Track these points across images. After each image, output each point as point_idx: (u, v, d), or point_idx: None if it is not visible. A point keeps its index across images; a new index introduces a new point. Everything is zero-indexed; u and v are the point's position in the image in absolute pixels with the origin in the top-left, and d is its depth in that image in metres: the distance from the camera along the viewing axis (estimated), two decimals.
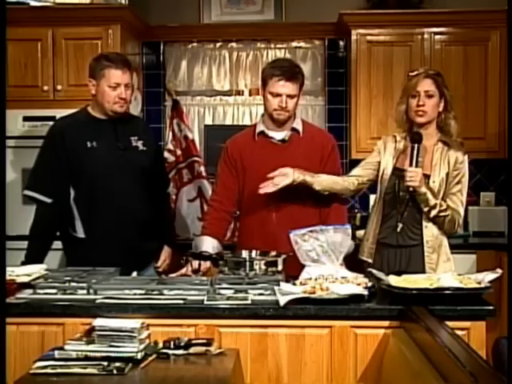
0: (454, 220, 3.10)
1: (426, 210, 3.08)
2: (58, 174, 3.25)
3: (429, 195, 3.05)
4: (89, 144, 3.25)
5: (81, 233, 3.27)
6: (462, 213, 3.14)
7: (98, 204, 3.25)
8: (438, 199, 3.07)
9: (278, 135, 3.24)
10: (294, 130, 3.25)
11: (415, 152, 3.04)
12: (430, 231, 3.11)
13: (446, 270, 3.01)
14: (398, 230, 3.13)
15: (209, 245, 3.14)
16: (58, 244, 3.43)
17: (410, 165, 3.03)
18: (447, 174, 3.11)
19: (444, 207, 3.07)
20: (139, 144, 3.37)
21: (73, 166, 3.25)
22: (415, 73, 3.18)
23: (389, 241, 3.17)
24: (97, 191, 3.24)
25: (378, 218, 3.22)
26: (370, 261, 3.18)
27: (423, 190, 3.03)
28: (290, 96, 3.12)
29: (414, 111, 3.12)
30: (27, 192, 3.30)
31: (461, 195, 3.13)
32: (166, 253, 3.49)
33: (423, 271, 3.00)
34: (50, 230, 3.34)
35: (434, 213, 3.07)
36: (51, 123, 4.21)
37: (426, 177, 3.10)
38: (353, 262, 2.98)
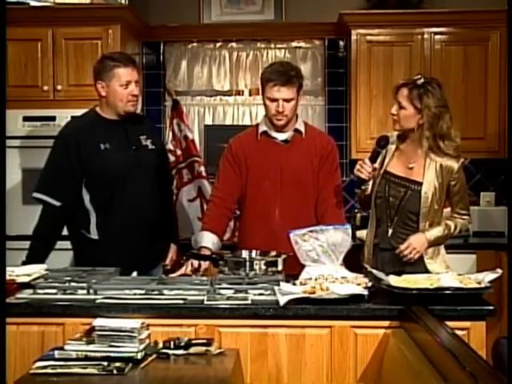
0: (467, 224, 3.20)
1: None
2: (69, 177, 3.24)
3: (439, 235, 3.08)
4: (102, 146, 3.24)
5: (94, 234, 3.27)
6: (469, 212, 3.19)
7: (114, 205, 3.25)
8: (445, 226, 3.09)
9: (280, 136, 3.26)
10: (296, 130, 3.27)
11: (374, 154, 3.08)
12: None
13: None
14: (389, 234, 3.14)
15: (209, 240, 3.14)
16: (65, 244, 3.43)
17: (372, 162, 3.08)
18: (441, 184, 3.08)
19: (453, 228, 3.11)
20: (148, 143, 3.38)
21: (87, 168, 3.24)
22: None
23: (383, 245, 3.17)
24: (112, 192, 3.25)
25: (373, 223, 3.23)
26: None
27: (431, 239, 3.07)
28: (286, 100, 3.13)
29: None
30: (36, 195, 3.27)
31: (464, 200, 3.15)
32: (172, 250, 3.52)
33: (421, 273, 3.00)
34: (55, 233, 3.33)
35: (451, 236, 3.14)
36: (51, 123, 4.24)
37: (419, 184, 3.09)
38: (353, 262, 2.97)
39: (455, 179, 3.09)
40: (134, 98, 3.26)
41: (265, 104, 3.20)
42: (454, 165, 3.07)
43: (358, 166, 3.08)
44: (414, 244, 3.05)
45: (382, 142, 3.11)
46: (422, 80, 3.05)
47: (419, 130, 3.06)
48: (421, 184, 3.08)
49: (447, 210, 3.21)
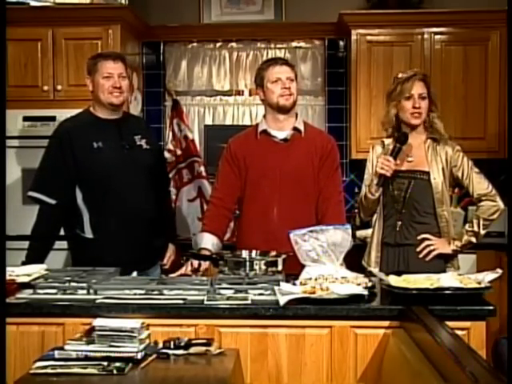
0: (491, 204, 3.13)
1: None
2: (63, 176, 3.26)
3: (464, 244, 3.13)
4: (95, 144, 3.27)
5: (89, 233, 3.28)
6: (492, 190, 3.14)
7: (106, 204, 3.26)
8: (466, 233, 3.14)
9: (280, 134, 3.25)
10: (295, 129, 3.26)
11: (396, 150, 3.12)
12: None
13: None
14: (397, 228, 3.15)
15: (208, 241, 3.15)
16: (62, 244, 3.43)
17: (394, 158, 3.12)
18: (443, 169, 3.14)
19: (476, 226, 3.13)
20: (143, 143, 3.39)
21: (80, 167, 3.26)
22: (405, 76, 3.20)
23: (388, 240, 3.19)
24: (104, 191, 3.26)
25: (380, 222, 3.23)
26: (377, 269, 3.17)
27: (456, 245, 3.12)
28: (289, 78, 3.18)
29: (410, 113, 3.15)
30: (31, 193, 3.30)
31: (478, 179, 3.13)
32: (170, 250, 3.54)
33: (422, 272, 3.00)
34: (53, 231, 3.34)
35: (483, 230, 3.14)
36: (51, 123, 4.24)
37: (424, 173, 3.13)
38: (353, 262, 2.97)
39: (455, 162, 3.14)
40: (115, 90, 3.28)
41: (268, 92, 3.19)
42: (449, 150, 3.15)
43: (380, 165, 3.11)
44: (433, 240, 3.09)
45: (402, 137, 3.16)
46: (420, 73, 3.26)
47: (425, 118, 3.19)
48: (427, 173, 3.14)
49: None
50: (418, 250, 3.10)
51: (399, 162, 3.16)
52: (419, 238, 3.11)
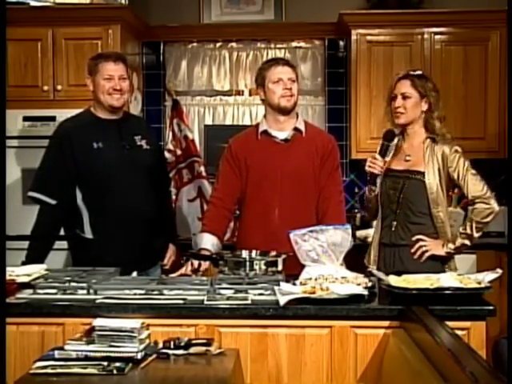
0: (484, 207, 3.09)
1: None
2: (63, 176, 3.26)
3: (458, 246, 3.09)
4: (95, 145, 3.27)
5: (89, 233, 3.28)
6: (487, 192, 3.10)
7: (106, 204, 3.26)
8: (460, 235, 3.10)
9: (280, 135, 3.25)
10: (296, 129, 3.26)
11: (383, 148, 3.13)
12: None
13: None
14: (393, 228, 3.15)
15: (208, 242, 3.15)
16: (62, 244, 3.43)
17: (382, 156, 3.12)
18: (439, 170, 3.11)
19: (469, 229, 3.08)
20: (143, 143, 3.39)
21: (80, 167, 3.26)
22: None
23: (385, 240, 3.19)
24: (104, 191, 3.26)
25: (379, 222, 3.24)
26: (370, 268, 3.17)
27: (449, 248, 3.09)
28: (291, 79, 3.18)
29: (394, 113, 3.16)
30: (32, 193, 3.30)
31: (474, 181, 3.09)
32: (171, 250, 3.54)
33: (417, 272, 3.00)
34: (53, 231, 3.34)
35: (476, 233, 3.09)
36: (51, 123, 4.24)
37: (420, 173, 3.12)
38: (353, 262, 2.97)
39: (450, 163, 3.11)
40: (116, 92, 3.28)
41: (269, 93, 3.19)
42: (446, 149, 3.12)
43: (369, 163, 3.11)
44: (428, 241, 3.08)
45: (389, 135, 3.15)
46: (417, 72, 3.21)
47: (421, 117, 3.15)
48: (422, 173, 3.12)
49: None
50: (413, 250, 3.09)
51: (388, 160, 3.16)
52: (414, 238, 3.10)
